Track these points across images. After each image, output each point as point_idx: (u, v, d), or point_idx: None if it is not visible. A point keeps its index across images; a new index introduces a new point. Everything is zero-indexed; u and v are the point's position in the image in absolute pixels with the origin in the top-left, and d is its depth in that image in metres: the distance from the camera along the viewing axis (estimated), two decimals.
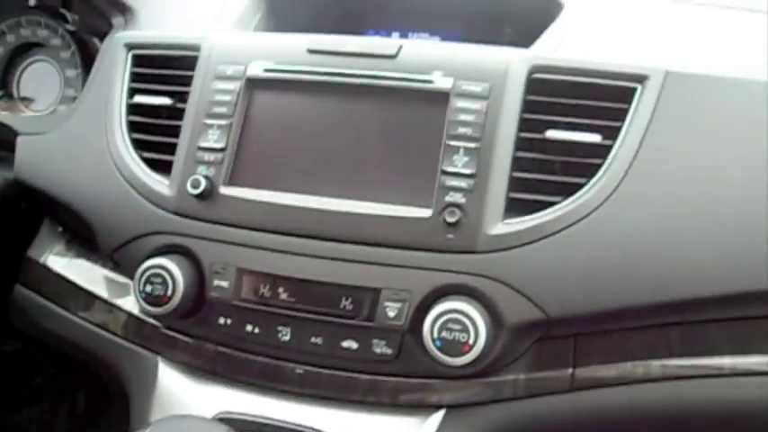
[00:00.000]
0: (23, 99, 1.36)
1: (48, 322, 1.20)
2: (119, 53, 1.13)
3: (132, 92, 1.09)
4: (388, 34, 1.30)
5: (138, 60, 1.11)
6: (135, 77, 1.11)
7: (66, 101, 1.44)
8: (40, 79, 1.35)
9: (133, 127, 1.07)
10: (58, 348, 1.23)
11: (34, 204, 1.18)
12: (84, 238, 1.14)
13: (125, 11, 1.23)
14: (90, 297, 1.11)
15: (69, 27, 1.39)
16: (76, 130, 1.13)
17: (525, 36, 1.07)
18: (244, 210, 0.95)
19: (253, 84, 1.00)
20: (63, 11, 1.38)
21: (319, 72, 0.98)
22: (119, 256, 1.04)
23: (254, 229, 0.95)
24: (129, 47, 1.13)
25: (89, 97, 1.14)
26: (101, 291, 1.11)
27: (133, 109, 1.08)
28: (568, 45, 1.02)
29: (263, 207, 0.95)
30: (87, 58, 1.29)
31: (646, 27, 1.05)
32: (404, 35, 1.30)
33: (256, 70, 1.00)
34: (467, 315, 0.85)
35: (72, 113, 1.20)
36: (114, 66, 1.12)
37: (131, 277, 0.98)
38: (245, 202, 0.95)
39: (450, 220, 0.88)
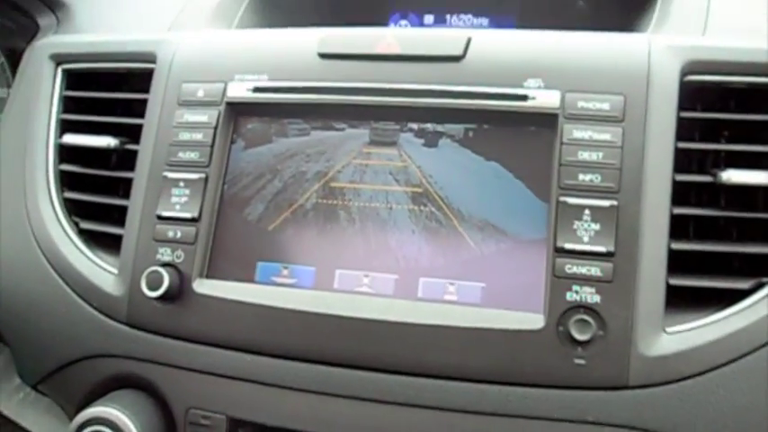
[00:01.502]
0: None
1: None
2: (43, 69, 0.87)
3: (63, 127, 0.83)
4: (420, 19, 1.07)
5: (72, 80, 0.86)
6: (67, 105, 0.85)
7: None
8: None
9: (65, 181, 0.81)
10: None
11: None
12: None
13: (55, 6, 0.95)
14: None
15: None
16: None
17: (610, 12, 0.84)
18: (233, 318, 0.66)
19: (237, 111, 0.73)
20: None
21: (339, 89, 0.69)
22: (48, 390, 0.76)
23: (253, 352, 0.66)
24: (57, 59, 0.87)
25: (3, 134, 0.87)
26: (32, 423, 0.79)
27: (64, 153, 0.82)
28: (716, 24, 0.72)
29: (265, 314, 0.65)
30: None
31: None
32: (440, 20, 1.07)
33: (241, 90, 0.72)
34: None
35: None
36: (37, 88, 0.86)
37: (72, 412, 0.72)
38: (234, 305, 0.67)
39: (580, 335, 0.58)
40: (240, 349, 0.66)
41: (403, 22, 1.09)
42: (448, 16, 1.06)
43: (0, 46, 1.09)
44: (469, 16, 1.09)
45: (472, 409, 0.60)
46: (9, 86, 1.08)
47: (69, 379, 0.72)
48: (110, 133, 0.81)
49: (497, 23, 1.04)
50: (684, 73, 0.65)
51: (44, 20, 0.96)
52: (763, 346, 0.57)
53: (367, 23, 0.86)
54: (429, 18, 1.07)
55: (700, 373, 0.58)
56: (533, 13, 0.97)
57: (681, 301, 0.61)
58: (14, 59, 1.08)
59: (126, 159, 0.79)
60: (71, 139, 0.82)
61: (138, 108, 0.80)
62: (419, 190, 0.66)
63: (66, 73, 0.87)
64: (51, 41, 0.89)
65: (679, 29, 0.72)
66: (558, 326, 0.59)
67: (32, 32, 1.00)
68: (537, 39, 0.69)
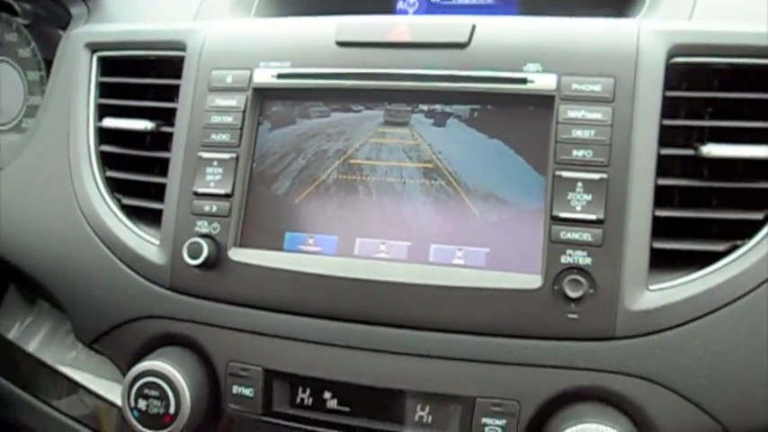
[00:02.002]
0: None
1: (15, 412, 0.94)
2: (80, 57, 0.90)
3: (102, 111, 0.88)
4: (426, 2, 1.09)
5: (107, 67, 0.89)
6: (104, 91, 0.89)
7: (32, 111, 1.16)
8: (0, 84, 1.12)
9: (106, 161, 0.86)
10: None
11: None
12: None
13: None
14: (71, 385, 0.90)
15: (21, 20, 1.10)
16: (32, 167, 0.90)
17: None
18: (266, 282, 0.73)
19: (263, 96, 0.78)
20: (9, 0, 1.08)
21: (356, 75, 0.74)
22: (102, 348, 0.82)
23: (284, 311, 0.72)
24: (93, 47, 0.90)
25: (46, 118, 0.91)
26: (84, 377, 0.89)
27: (105, 136, 0.87)
28: (703, 8, 0.76)
29: (294, 278, 0.72)
30: (52, 57, 1.04)
31: None
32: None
33: (266, 77, 0.77)
34: None
35: (28, 140, 0.93)
36: (75, 75, 0.90)
37: (124, 367, 0.78)
38: (266, 271, 0.73)
39: (573, 293, 0.64)
40: (273, 309, 0.72)
41: (411, 0, 1.14)
42: None
43: (32, 32, 1.15)
44: None
45: (478, 359, 0.67)
46: (41, 70, 1.15)
47: (121, 338, 0.78)
48: (143, 116, 0.84)
49: (502, 3, 1.05)
50: (671, 55, 0.69)
51: (76, 8, 0.99)
52: (734, 301, 0.63)
53: (376, 3, 0.90)
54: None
55: (678, 325, 0.63)
56: None
57: (664, 263, 0.67)
58: (45, 45, 1.14)
59: (159, 141, 0.84)
60: (110, 122, 0.85)
61: (169, 93, 0.83)
62: (430, 165, 0.72)
63: (102, 60, 0.89)
64: (87, 30, 0.92)
65: (668, 13, 0.76)
66: (553, 285, 0.65)
67: (64, 20, 1.02)
68: (535, 25, 0.74)
